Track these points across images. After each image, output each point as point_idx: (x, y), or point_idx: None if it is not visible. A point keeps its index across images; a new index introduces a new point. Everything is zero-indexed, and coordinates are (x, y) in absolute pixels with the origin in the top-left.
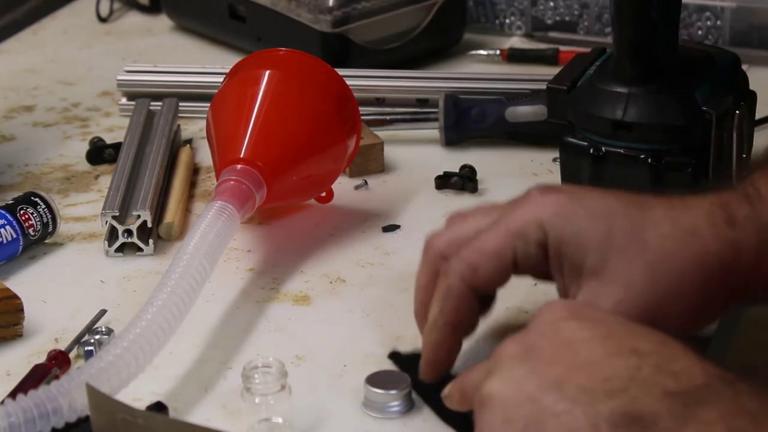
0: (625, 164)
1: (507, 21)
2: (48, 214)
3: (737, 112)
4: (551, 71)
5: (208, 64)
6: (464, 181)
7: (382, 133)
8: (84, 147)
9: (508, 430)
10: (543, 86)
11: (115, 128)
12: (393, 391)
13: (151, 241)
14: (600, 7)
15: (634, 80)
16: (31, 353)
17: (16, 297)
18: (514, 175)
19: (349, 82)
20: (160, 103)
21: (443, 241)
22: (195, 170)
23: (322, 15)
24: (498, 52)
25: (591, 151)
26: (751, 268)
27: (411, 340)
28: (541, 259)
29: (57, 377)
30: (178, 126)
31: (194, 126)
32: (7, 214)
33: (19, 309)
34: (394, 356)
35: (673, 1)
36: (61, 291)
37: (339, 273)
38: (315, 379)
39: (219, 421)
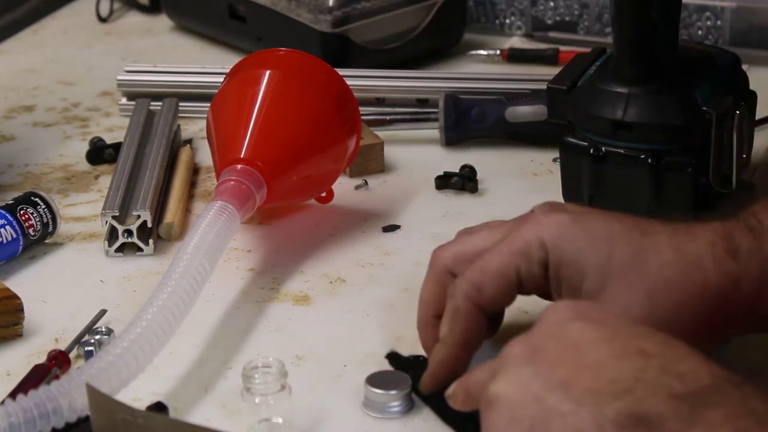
0: (625, 164)
1: (507, 21)
2: (48, 214)
3: (737, 112)
4: (551, 71)
5: (208, 64)
6: (464, 181)
7: (382, 133)
8: (84, 147)
9: (513, 430)
10: (543, 86)
11: (115, 128)
12: (393, 392)
13: (151, 241)
14: (600, 7)
15: (634, 80)
16: (31, 353)
17: (16, 297)
18: (514, 175)
19: (349, 82)
20: (160, 103)
21: (449, 256)
22: (195, 170)
23: (322, 15)
24: (498, 52)
25: (591, 151)
26: (753, 300)
27: (411, 340)
28: (546, 279)
29: (57, 377)
30: (178, 126)
31: (194, 126)
32: (7, 214)
33: (19, 309)
34: (393, 357)
35: (673, 1)
36: (61, 291)
37: (339, 273)
38: (315, 379)
39: (219, 421)
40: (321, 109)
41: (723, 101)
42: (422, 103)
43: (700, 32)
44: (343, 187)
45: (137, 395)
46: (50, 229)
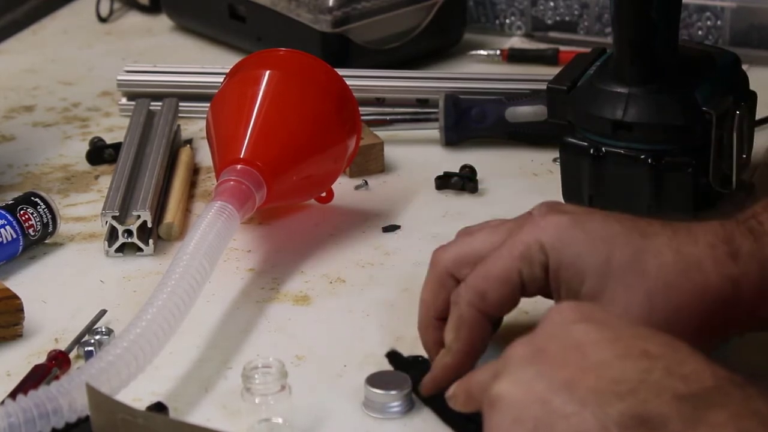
0: (625, 164)
1: (507, 21)
2: (48, 214)
3: (737, 112)
4: (551, 71)
5: (208, 64)
6: (464, 181)
7: (382, 133)
8: (84, 147)
9: (517, 430)
10: (543, 86)
11: (115, 128)
12: (393, 392)
13: (151, 241)
14: (600, 7)
15: (634, 80)
16: (31, 353)
17: (16, 297)
18: (514, 175)
19: (349, 82)
20: (160, 103)
21: (450, 257)
22: (195, 170)
23: (322, 15)
24: (498, 52)
25: (591, 151)
26: (753, 302)
27: (411, 340)
28: (548, 281)
29: (57, 377)
30: (178, 126)
31: (194, 126)
32: (7, 214)
33: (19, 309)
34: (393, 356)
35: (673, 1)
36: (61, 291)
37: (339, 273)
38: (315, 379)
39: (219, 421)
40: (321, 109)
41: (723, 101)
42: (422, 103)
43: (700, 32)
44: (343, 187)
45: (137, 395)
46: (50, 229)
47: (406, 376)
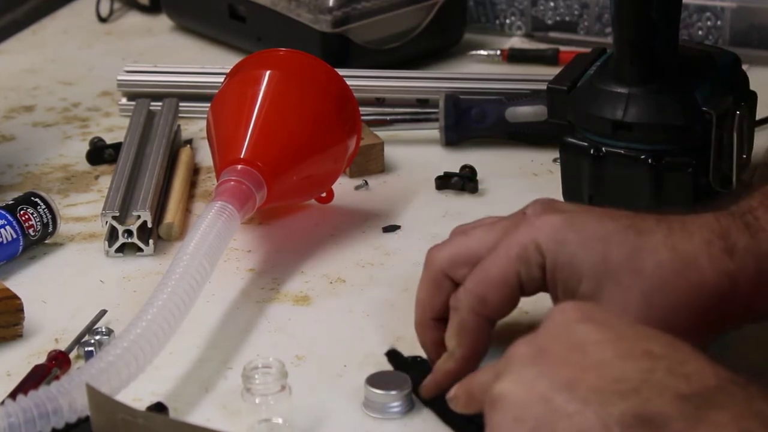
0: (626, 164)
1: (507, 21)
2: (48, 214)
3: (737, 112)
4: (551, 71)
5: (208, 64)
6: (464, 181)
7: (383, 133)
8: (84, 147)
9: (518, 429)
10: (543, 86)
11: (115, 128)
12: (393, 392)
13: (151, 241)
14: (600, 7)
15: (634, 80)
16: (31, 353)
17: (16, 297)
18: (515, 175)
19: (349, 82)
20: (160, 103)
21: (445, 257)
22: (195, 170)
23: (322, 15)
24: (498, 52)
25: (591, 151)
26: (750, 297)
27: (411, 340)
28: (546, 281)
29: (57, 377)
30: (178, 126)
31: (194, 126)
32: (7, 215)
33: (19, 309)
34: (393, 355)
35: (673, 1)
36: (61, 291)
37: (339, 273)
38: (315, 379)
39: (219, 422)
40: (321, 109)
41: (723, 101)
42: (422, 103)
43: (700, 32)
44: (343, 187)
45: (137, 395)
46: (50, 229)
47: (406, 376)
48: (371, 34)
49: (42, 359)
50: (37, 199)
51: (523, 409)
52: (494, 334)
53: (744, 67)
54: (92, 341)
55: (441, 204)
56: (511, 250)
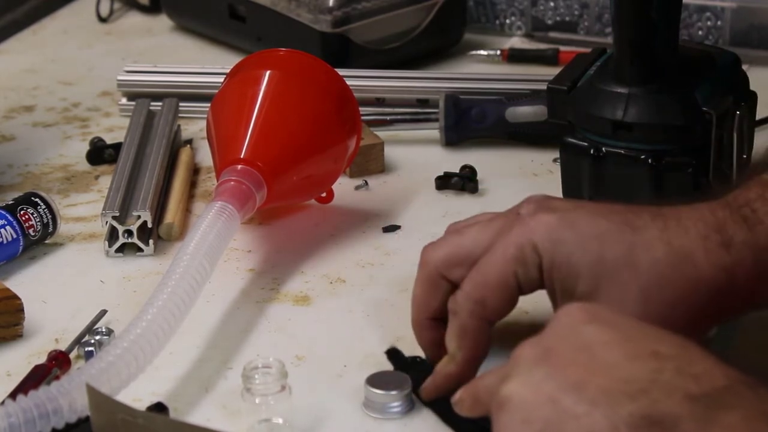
0: (626, 164)
1: (507, 21)
2: (48, 214)
3: (737, 112)
4: (551, 71)
5: (208, 64)
6: (464, 181)
7: (383, 134)
8: (84, 147)
9: (526, 431)
10: (543, 86)
11: (115, 128)
12: (393, 392)
13: (151, 241)
14: (600, 7)
15: (634, 80)
16: (31, 353)
17: (16, 297)
18: (515, 175)
19: (349, 82)
20: (160, 103)
21: (440, 257)
22: (195, 170)
23: (322, 15)
24: (498, 52)
25: (591, 151)
26: (749, 290)
27: (411, 340)
28: (543, 281)
29: (57, 378)
30: (179, 126)
31: (194, 126)
32: (8, 215)
33: (20, 309)
34: (393, 354)
35: (673, 1)
36: (61, 291)
37: (339, 273)
38: (315, 379)
39: (219, 422)
40: (321, 109)
41: (723, 101)
42: (422, 103)
43: (700, 32)
44: (343, 187)
45: (137, 395)
46: (50, 229)
47: (406, 376)
48: (371, 34)
49: (42, 359)
50: (37, 199)
51: (531, 411)
52: (494, 334)
53: (744, 67)
54: (92, 341)
55: (441, 204)
56: (507, 251)
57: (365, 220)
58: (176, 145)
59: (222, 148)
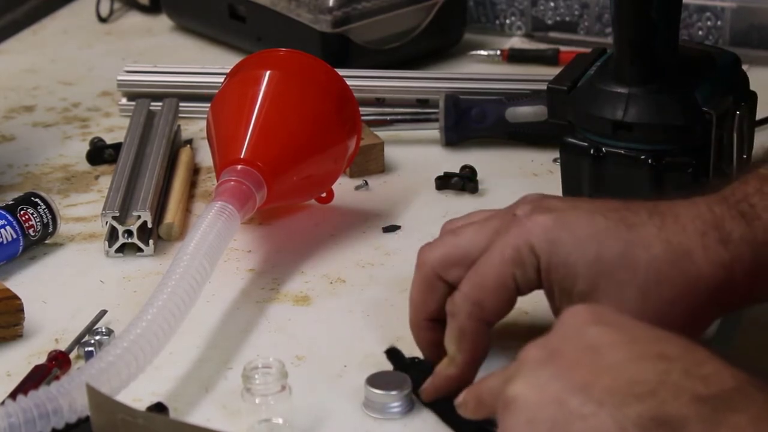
0: (626, 165)
1: (507, 21)
2: (48, 214)
3: (737, 112)
4: (551, 71)
5: (208, 64)
6: (464, 181)
7: (383, 134)
8: (84, 147)
9: (531, 431)
10: (543, 86)
11: (115, 128)
12: (393, 392)
13: (151, 241)
14: (600, 7)
15: (634, 80)
16: (31, 353)
17: (16, 297)
18: (515, 175)
19: (349, 82)
20: (160, 104)
21: (436, 258)
22: (195, 170)
23: (322, 15)
24: (498, 52)
25: (591, 151)
26: (748, 285)
27: (411, 341)
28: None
29: (57, 378)
30: (179, 126)
31: (194, 126)
32: (8, 215)
33: (20, 309)
34: (393, 353)
35: (673, 1)
36: (61, 291)
37: (339, 273)
38: (315, 379)
39: (219, 422)
40: (321, 109)
41: (723, 101)
42: (422, 103)
43: (700, 32)
44: (343, 187)
45: (137, 395)
46: (50, 229)
47: (406, 376)
48: (371, 34)
49: (42, 359)
50: (37, 199)
51: (537, 412)
52: (493, 335)
53: (744, 67)
54: (92, 341)
55: (441, 204)
56: (504, 253)
57: (365, 220)
58: (176, 145)
59: (222, 148)
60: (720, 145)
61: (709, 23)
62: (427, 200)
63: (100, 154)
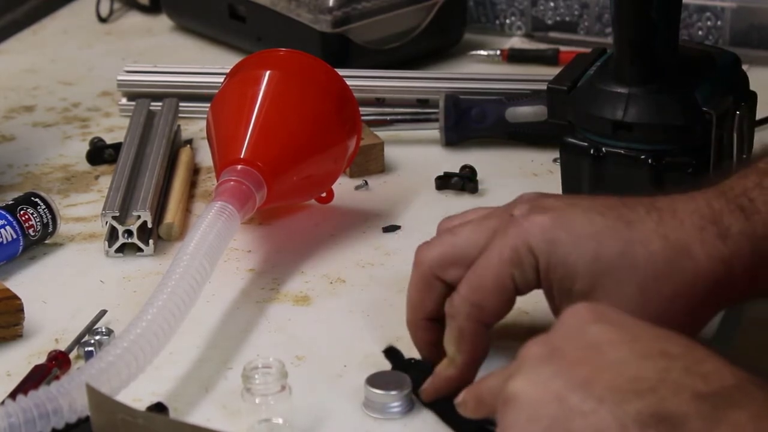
0: (626, 164)
1: (507, 21)
2: (48, 214)
3: (737, 112)
4: (551, 71)
5: (208, 64)
6: (464, 181)
7: (383, 134)
8: (84, 147)
9: (532, 429)
10: (543, 86)
11: (115, 128)
12: (393, 392)
13: (151, 241)
14: (600, 7)
15: (634, 80)
16: (31, 353)
17: (16, 297)
18: (515, 175)
19: (349, 82)
20: (160, 104)
21: (433, 258)
22: (195, 170)
23: (322, 15)
24: (498, 52)
25: (591, 151)
26: (747, 279)
27: (410, 341)
28: (540, 281)
29: (57, 378)
30: (179, 126)
31: (194, 126)
32: (7, 215)
33: (19, 309)
34: (392, 352)
35: (673, 1)
36: (61, 291)
37: (339, 273)
38: (315, 379)
39: (219, 422)
40: (321, 109)
41: (723, 101)
42: (422, 103)
43: (700, 32)
44: (343, 187)
45: (137, 395)
46: (50, 229)
47: (407, 376)
48: (371, 34)
49: (42, 359)
50: (37, 199)
51: (537, 409)
52: (493, 334)
53: (744, 67)
54: (92, 341)
55: (441, 204)
56: (502, 254)
57: (365, 220)
58: (176, 145)
59: (222, 148)
60: (720, 145)
61: (709, 23)
62: (427, 200)
63: (100, 154)
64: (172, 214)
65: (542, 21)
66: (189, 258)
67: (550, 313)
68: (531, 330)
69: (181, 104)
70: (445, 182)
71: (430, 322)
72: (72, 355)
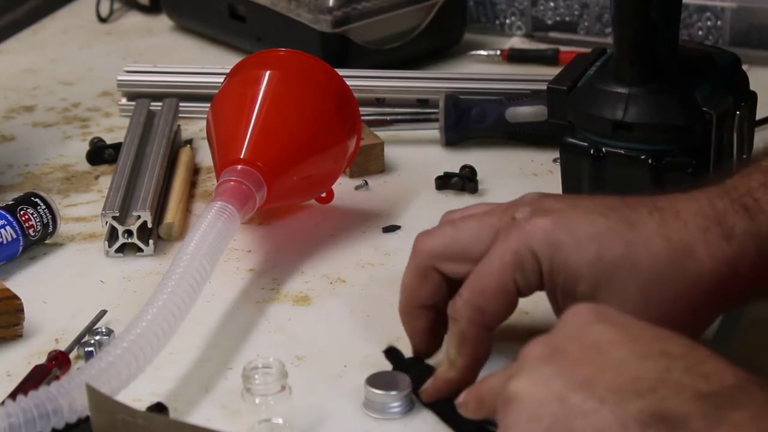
0: (626, 165)
1: (507, 21)
2: (48, 214)
3: (737, 112)
4: (551, 71)
5: (208, 64)
6: (464, 181)
7: (383, 134)
8: (84, 147)
9: (533, 428)
10: (543, 86)
11: (115, 128)
12: (393, 392)
13: (151, 241)
14: (600, 7)
15: (634, 80)
16: (31, 354)
17: (16, 297)
18: (515, 175)
19: (349, 82)
20: (160, 104)
21: (434, 248)
22: (195, 170)
23: (322, 15)
24: (498, 52)
25: (591, 151)
26: (752, 279)
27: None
28: (542, 285)
29: (57, 378)
30: (179, 126)
31: (194, 126)
32: (7, 215)
33: (19, 309)
34: (392, 352)
35: (673, 1)
36: (61, 291)
37: (339, 273)
38: (315, 379)
39: (219, 422)
40: (321, 109)
41: (723, 101)
42: (422, 103)
43: (700, 32)
44: (343, 187)
45: (137, 395)
46: (50, 229)
47: (407, 376)
48: (371, 34)
49: (42, 359)
50: (37, 199)
51: (538, 408)
52: (494, 335)
53: (744, 67)
54: (92, 341)
55: (441, 204)
56: (505, 258)
57: (365, 220)
58: (176, 145)
59: (222, 148)
60: (720, 145)
61: (709, 23)
62: (427, 200)
63: (100, 154)
64: (172, 214)
65: (542, 21)
66: (189, 258)
67: (551, 314)
68: (531, 330)
69: (181, 104)
70: (445, 182)
71: (423, 310)
72: (72, 355)
